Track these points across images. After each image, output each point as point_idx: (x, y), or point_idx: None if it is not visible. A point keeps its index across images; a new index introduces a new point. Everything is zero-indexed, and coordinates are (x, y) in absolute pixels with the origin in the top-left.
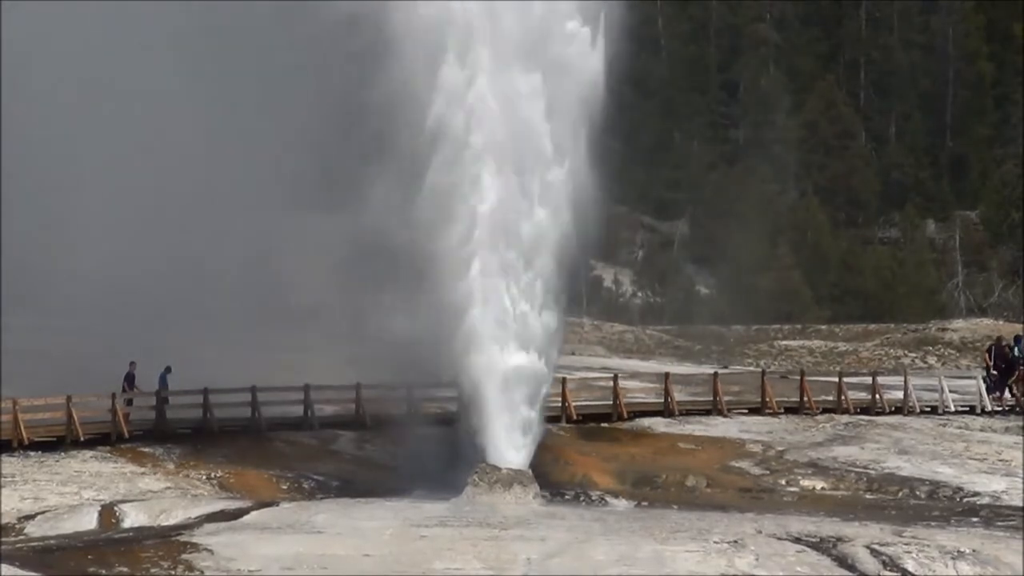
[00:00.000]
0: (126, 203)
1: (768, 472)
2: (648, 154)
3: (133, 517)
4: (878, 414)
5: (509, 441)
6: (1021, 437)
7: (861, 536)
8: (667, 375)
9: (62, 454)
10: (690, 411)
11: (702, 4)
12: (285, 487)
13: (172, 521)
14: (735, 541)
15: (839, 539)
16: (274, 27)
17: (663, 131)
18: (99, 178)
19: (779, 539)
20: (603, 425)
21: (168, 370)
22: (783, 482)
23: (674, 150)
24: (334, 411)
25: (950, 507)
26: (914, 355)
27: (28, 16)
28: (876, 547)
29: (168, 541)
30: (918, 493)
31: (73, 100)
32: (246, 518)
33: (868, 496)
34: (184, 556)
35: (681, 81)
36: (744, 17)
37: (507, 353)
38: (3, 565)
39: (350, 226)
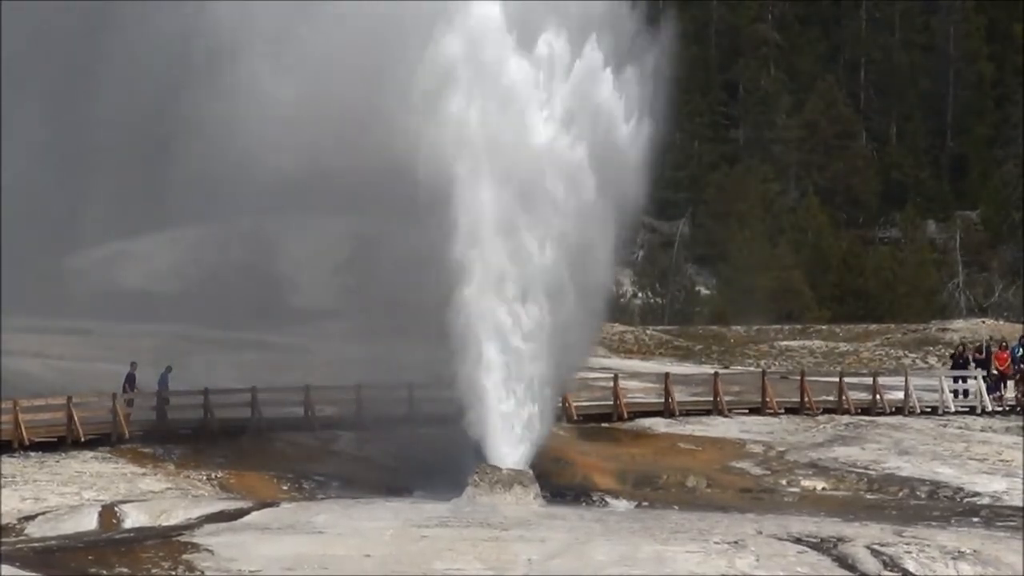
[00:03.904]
0: None
1: (769, 472)
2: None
3: (134, 517)
4: (879, 414)
5: (509, 441)
6: (1021, 437)
7: (861, 536)
8: (667, 375)
9: (62, 455)
10: (690, 411)
11: (702, 4)
12: (286, 487)
13: (173, 521)
14: (735, 541)
15: (840, 539)
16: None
17: (663, 131)
18: None
19: (780, 539)
20: (603, 425)
21: (169, 370)
22: (784, 482)
23: (674, 150)
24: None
25: (950, 507)
26: (915, 355)
27: None
28: (877, 547)
29: (169, 541)
30: (918, 493)
31: None
32: (247, 518)
33: (869, 496)
34: (185, 556)
35: (681, 81)
36: (744, 17)
37: (508, 352)
38: (3, 565)
39: None
